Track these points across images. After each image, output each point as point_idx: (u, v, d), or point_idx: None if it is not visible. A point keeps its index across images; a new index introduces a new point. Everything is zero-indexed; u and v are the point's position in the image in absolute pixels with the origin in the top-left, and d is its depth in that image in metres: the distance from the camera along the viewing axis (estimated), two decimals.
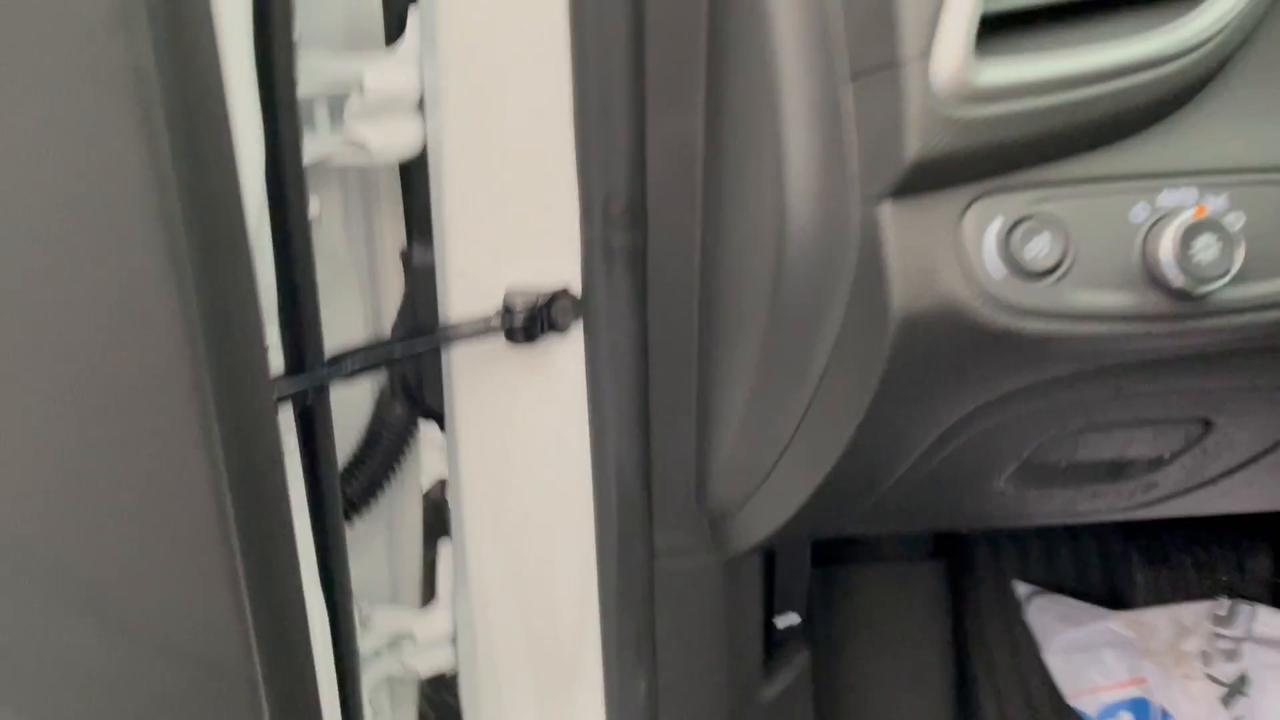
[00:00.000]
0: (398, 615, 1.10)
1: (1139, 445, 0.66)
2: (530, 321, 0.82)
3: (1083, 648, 1.27)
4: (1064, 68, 0.48)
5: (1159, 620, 1.24)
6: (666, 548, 0.94)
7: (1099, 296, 0.50)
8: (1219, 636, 1.22)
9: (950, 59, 0.47)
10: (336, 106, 0.80)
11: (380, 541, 1.10)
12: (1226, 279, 0.49)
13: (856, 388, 0.55)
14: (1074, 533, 1.41)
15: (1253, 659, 1.18)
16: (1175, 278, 0.49)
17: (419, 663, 1.11)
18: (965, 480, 0.69)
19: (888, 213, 0.50)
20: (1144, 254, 0.50)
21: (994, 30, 0.50)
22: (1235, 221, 0.50)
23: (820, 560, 1.38)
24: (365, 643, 1.10)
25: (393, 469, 1.00)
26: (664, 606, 0.98)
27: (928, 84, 0.48)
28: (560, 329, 0.86)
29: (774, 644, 1.09)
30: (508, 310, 0.82)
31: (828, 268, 0.54)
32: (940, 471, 0.67)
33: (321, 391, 0.80)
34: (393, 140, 0.80)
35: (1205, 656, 1.21)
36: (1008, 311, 0.50)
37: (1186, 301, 0.50)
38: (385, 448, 0.99)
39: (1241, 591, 1.27)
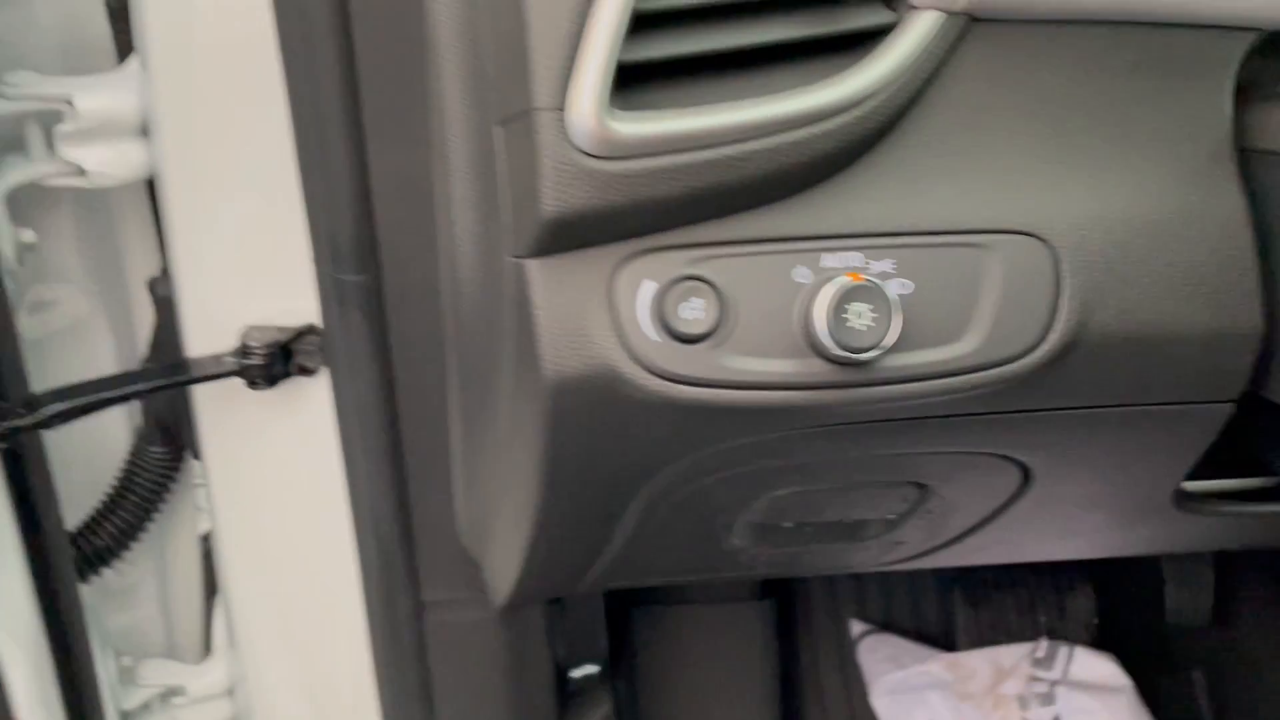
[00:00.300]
0: (167, 668, 1.03)
1: (862, 508, 0.63)
2: (270, 362, 0.77)
3: (908, 689, 1.25)
4: (710, 122, 0.44)
5: (978, 663, 1.22)
6: (436, 600, 0.89)
7: (759, 363, 0.47)
8: (1036, 679, 1.21)
9: (585, 110, 0.43)
10: (52, 128, 0.74)
11: (151, 590, 1.03)
12: (879, 350, 0.46)
13: (531, 450, 0.51)
14: (912, 571, 1.40)
15: (1066, 703, 1.17)
16: (830, 346, 0.46)
17: (191, 717, 1.04)
18: (697, 538, 0.66)
19: (535, 270, 0.46)
20: (804, 320, 0.47)
21: (646, 80, 0.46)
22: (899, 286, 0.47)
23: (645, 600, 1.35)
24: (133, 697, 1.03)
25: (150, 513, 0.93)
26: (442, 659, 0.93)
27: (564, 135, 0.44)
28: (309, 370, 0.81)
29: (570, 695, 1.05)
30: (245, 350, 0.77)
31: (493, 324, 0.50)
32: (667, 531, 0.63)
33: (25, 434, 0.74)
34: (112, 164, 0.74)
35: (1022, 700, 1.20)
36: (662, 377, 0.46)
37: (847, 369, 0.47)
38: (140, 491, 0.92)
39: (1061, 633, 1.26)
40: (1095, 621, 1.27)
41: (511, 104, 0.45)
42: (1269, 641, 1.28)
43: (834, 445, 0.53)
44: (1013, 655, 1.23)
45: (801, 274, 0.47)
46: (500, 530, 0.63)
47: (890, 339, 0.46)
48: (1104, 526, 0.68)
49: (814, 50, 0.48)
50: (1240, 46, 0.50)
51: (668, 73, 0.47)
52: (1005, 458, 0.57)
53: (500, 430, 0.55)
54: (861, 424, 0.51)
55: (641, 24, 0.46)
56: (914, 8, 0.48)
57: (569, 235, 0.45)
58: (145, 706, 1.05)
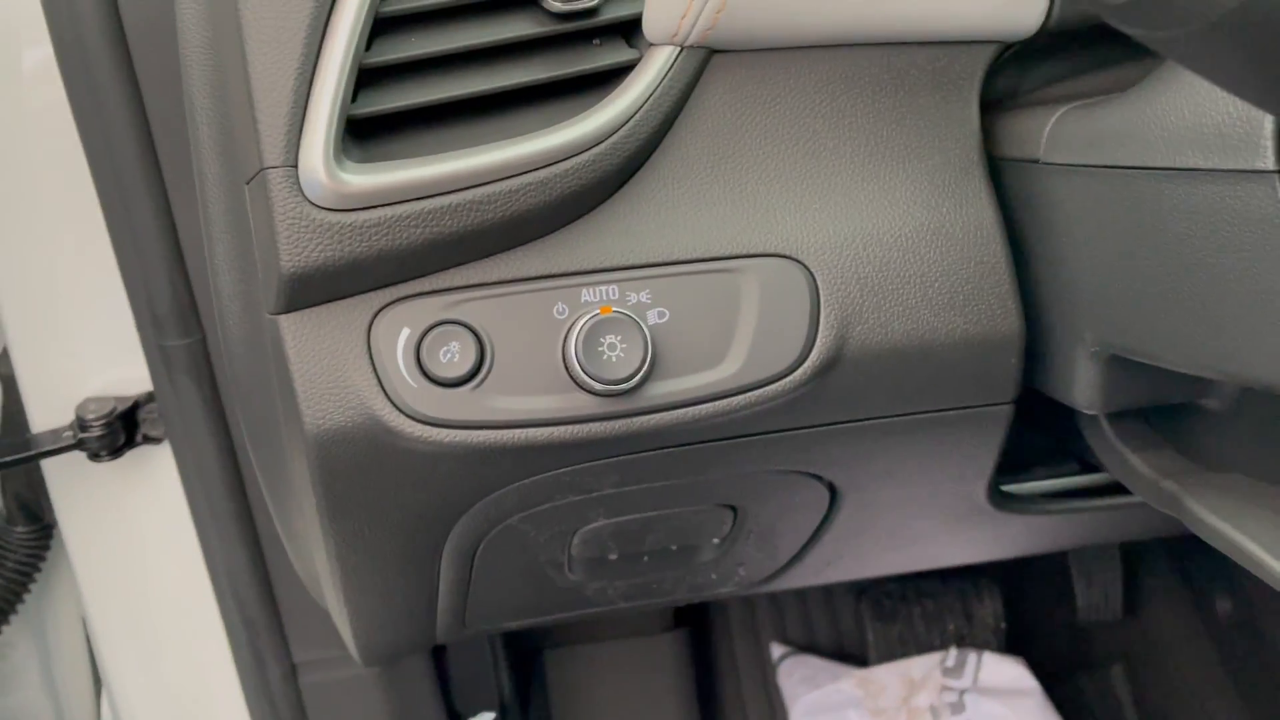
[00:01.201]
0: None
1: (683, 534, 0.63)
2: (109, 433, 0.76)
3: (826, 709, 1.25)
4: (444, 169, 0.45)
5: (889, 677, 1.22)
6: (309, 660, 0.88)
7: (522, 401, 0.47)
8: (947, 689, 1.21)
9: (315, 165, 0.44)
10: None
11: (34, 673, 1.01)
12: (635, 380, 0.46)
13: (315, 506, 0.51)
14: (828, 590, 1.40)
15: (975, 710, 1.18)
16: (587, 379, 0.46)
17: None
18: (536, 578, 0.65)
19: (287, 325, 0.46)
20: (564, 356, 0.47)
21: (393, 130, 0.47)
22: (656, 316, 0.48)
23: (557, 642, 1.34)
24: None
25: (19, 594, 0.91)
26: (323, 719, 0.92)
27: (298, 190, 0.44)
28: (154, 439, 0.80)
29: None
30: (81, 423, 0.76)
31: (264, 383, 0.50)
32: (499, 575, 0.63)
33: None
34: None
35: (934, 710, 1.20)
36: (425, 423, 0.47)
37: (609, 400, 0.47)
38: (6, 573, 0.90)
39: (970, 639, 1.27)
40: (1003, 625, 1.28)
41: (250, 163, 0.46)
42: (1180, 629, 1.30)
43: (626, 476, 0.53)
44: (923, 666, 1.23)
45: (561, 310, 0.48)
46: (326, 588, 0.63)
47: (644, 369, 0.47)
48: (937, 533, 0.68)
49: (563, 91, 0.49)
50: (981, 60, 0.52)
51: (415, 121, 0.47)
52: (805, 474, 0.57)
53: (293, 488, 0.54)
54: (643, 453, 0.51)
55: (372, 77, 0.47)
56: (651, 44, 0.49)
57: (316, 288, 0.46)
58: None
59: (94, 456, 0.77)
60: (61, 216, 0.72)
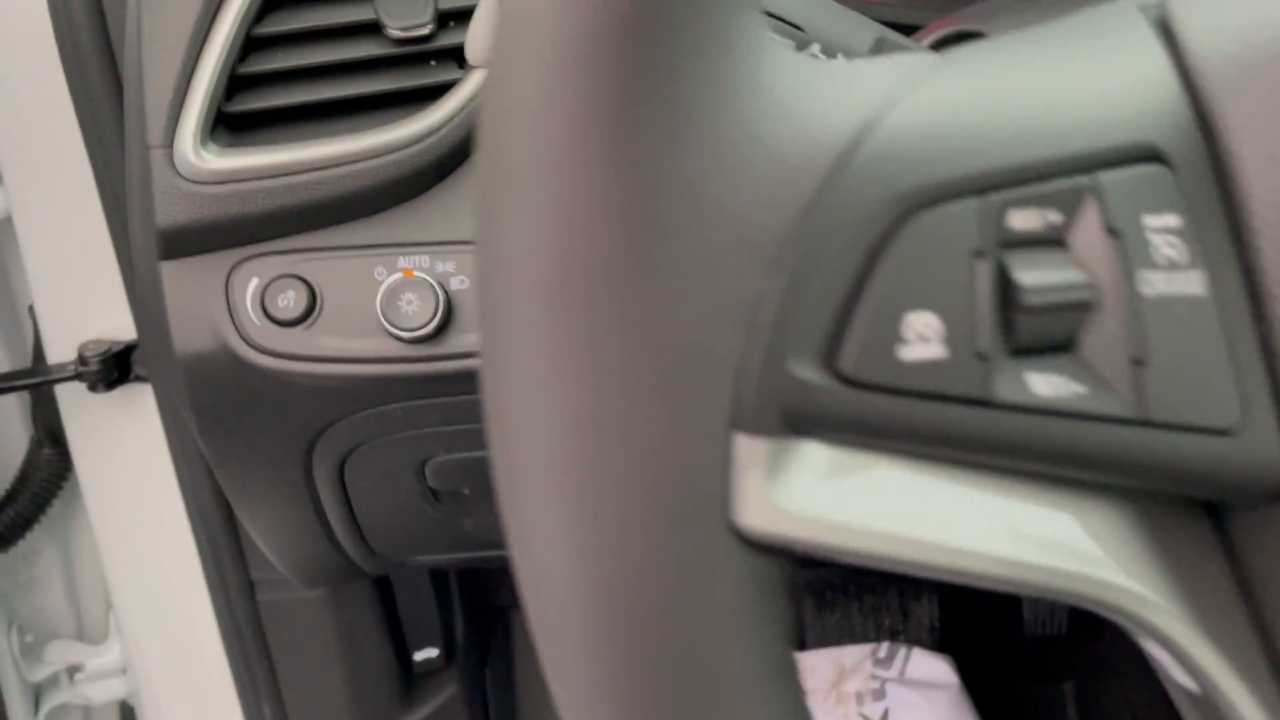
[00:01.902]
0: (70, 648, 1.19)
1: None
2: (105, 369, 0.93)
3: None
4: (286, 157, 0.58)
5: (820, 661, 1.31)
6: (264, 579, 1.02)
7: (343, 341, 0.60)
8: (874, 677, 1.28)
9: (186, 148, 0.58)
10: None
11: (58, 580, 1.19)
12: (428, 330, 0.58)
13: (193, 426, 0.65)
14: None
15: (895, 698, 1.25)
16: (389, 326, 0.59)
17: (91, 692, 1.19)
18: (409, 511, 0.78)
19: (166, 270, 0.60)
20: (379, 307, 0.60)
21: (256, 128, 0.61)
22: (459, 283, 0.60)
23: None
24: (38, 671, 1.19)
25: (44, 506, 1.09)
26: (278, 635, 1.06)
27: (173, 166, 0.58)
28: (143, 378, 0.96)
29: (414, 677, 1.17)
30: (81, 359, 0.92)
31: (159, 320, 0.64)
32: (374, 506, 0.75)
33: None
34: None
35: (859, 696, 1.27)
36: (267, 354, 0.60)
37: (412, 345, 0.60)
38: (34, 487, 1.08)
39: (905, 636, 1.34)
40: (938, 626, 1.34)
41: (145, 138, 0.60)
42: (1130, 651, 1.34)
43: (449, 416, 0.65)
44: (855, 655, 1.31)
45: (380, 272, 0.60)
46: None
47: (435, 322, 0.59)
48: None
49: (402, 101, 0.62)
50: None
51: (281, 118, 0.61)
52: None
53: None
54: (457, 396, 0.63)
55: (247, 82, 0.61)
56: (472, 67, 0.62)
57: (185, 242, 0.59)
58: (54, 681, 1.20)
59: (92, 388, 0.94)
60: (71, 179, 0.88)
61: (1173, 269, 0.33)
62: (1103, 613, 0.37)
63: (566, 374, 0.29)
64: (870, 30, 0.55)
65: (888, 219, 0.30)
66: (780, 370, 0.30)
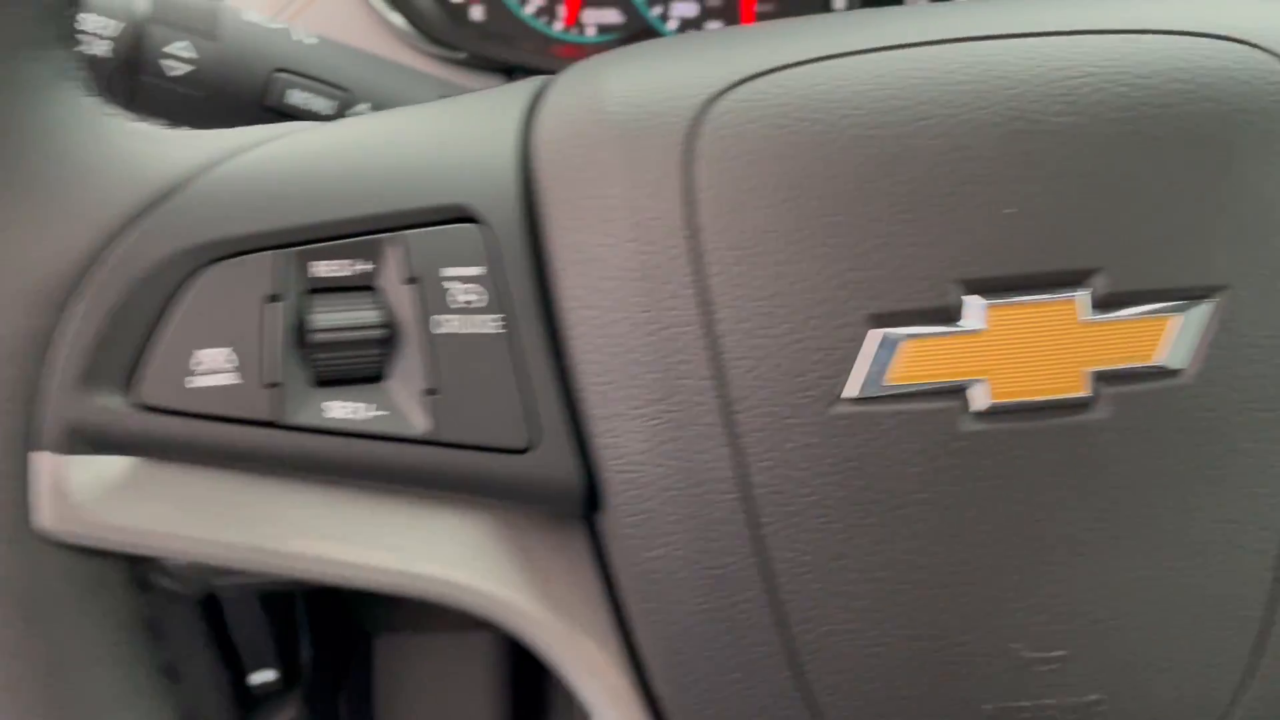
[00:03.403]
0: None
1: None
2: None
3: None
4: None
5: None
6: None
7: None
8: None
9: None
10: None
11: None
12: None
13: None
14: None
15: None
16: None
17: None
18: None
19: None
20: None
21: None
22: None
23: (388, 628, 1.47)
24: None
25: None
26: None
27: None
28: None
29: (254, 701, 1.20)
30: None
31: None
32: None
33: None
34: None
35: None
36: None
37: None
38: None
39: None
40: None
41: None
42: None
43: None
44: None
45: None
46: None
47: None
48: None
49: None
50: None
51: None
52: None
53: None
54: None
55: None
56: None
57: None
58: None
59: None
60: None
61: (468, 312, 0.38)
62: (478, 613, 0.42)
63: None
64: (432, 90, 0.60)
65: (182, 269, 0.36)
66: (77, 397, 0.35)
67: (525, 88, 0.42)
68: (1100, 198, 0.37)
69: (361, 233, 0.37)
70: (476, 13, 0.82)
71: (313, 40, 0.55)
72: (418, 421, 0.37)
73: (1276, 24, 0.39)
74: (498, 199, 0.38)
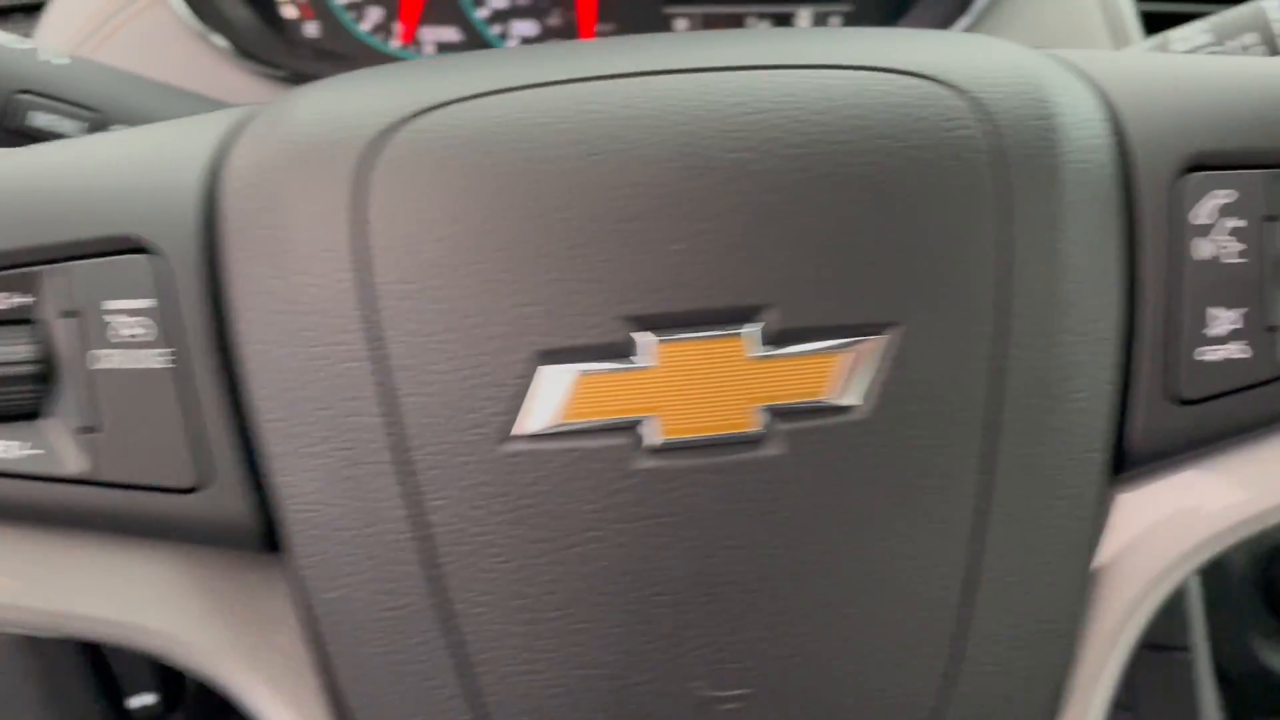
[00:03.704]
0: None
1: None
2: None
3: None
4: None
5: None
6: None
7: None
8: None
9: None
10: None
11: None
12: None
13: None
14: None
15: None
16: None
17: None
18: None
19: None
20: None
21: None
22: None
23: None
24: None
25: None
26: None
27: None
28: None
29: None
30: None
31: None
32: None
33: None
34: None
35: None
36: None
37: None
38: None
39: None
40: None
41: None
42: None
43: None
44: None
45: None
46: None
47: None
48: None
49: None
50: None
51: None
52: None
53: None
54: None
55: None
56: None
57: None
58: None
59: None
60: None
61: (131, 346, 0.37)
62: (157, 656, 0.41)
63: None
64: (201, 110, 0.59)
65: None
66: None
67: (232, 114, 0.41)
68: (770, 234, 0.37)
69: (21, 265, 0.37)
70: (310, 29, 0.82)
71: (63, 60, 0.54)
72: (73, 461, 0.36)
73: (965, 60, 0.39)
74: (174, 228, 0.38)
